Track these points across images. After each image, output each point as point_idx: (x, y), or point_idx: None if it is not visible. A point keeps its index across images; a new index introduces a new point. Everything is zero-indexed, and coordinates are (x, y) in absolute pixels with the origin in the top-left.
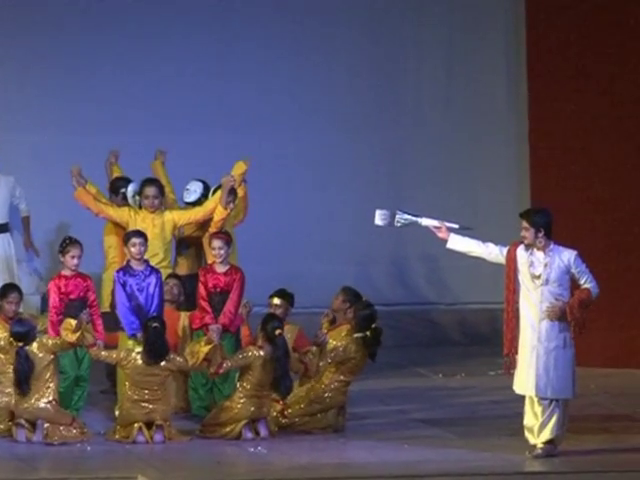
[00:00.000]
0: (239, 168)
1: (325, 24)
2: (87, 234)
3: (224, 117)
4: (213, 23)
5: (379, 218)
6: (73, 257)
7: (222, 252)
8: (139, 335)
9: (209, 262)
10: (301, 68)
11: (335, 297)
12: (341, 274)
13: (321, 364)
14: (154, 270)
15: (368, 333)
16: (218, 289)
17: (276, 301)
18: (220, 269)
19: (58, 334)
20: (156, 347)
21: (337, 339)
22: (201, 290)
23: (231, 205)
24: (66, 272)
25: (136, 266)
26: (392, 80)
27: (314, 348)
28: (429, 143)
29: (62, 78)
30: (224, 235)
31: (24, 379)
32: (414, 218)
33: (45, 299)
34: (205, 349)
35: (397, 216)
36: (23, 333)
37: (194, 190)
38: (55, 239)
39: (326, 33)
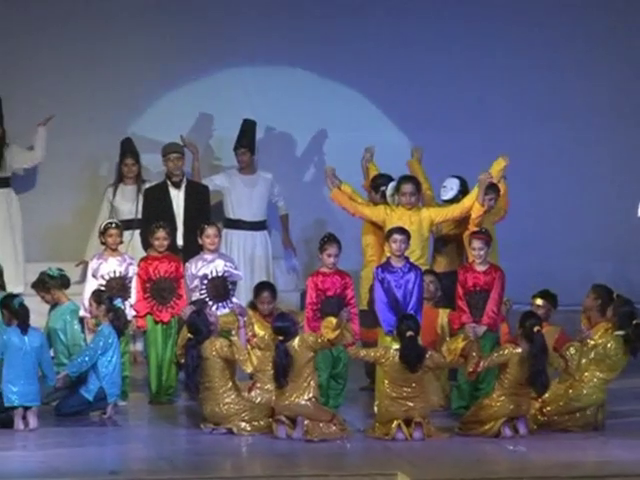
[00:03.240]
0: (498, 164)
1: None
2: (344, 231)
3: (482, 115)
4: (468, 24)
5: None
6: (330, 255)
7: (482, 253)
8: (395, 332)
9: (469, 261)
10: (555, 68)
11: (587, 295)
12: (599, 271)
13: (583, 361)
14: (414, 267)
15: (629, 330)
16: (478, 288)
17: (539, 301)
18: (480, 268)
19: (314, 330)
20: (411, 357)
21: (596, 337)
22: (459, 289)
23: (492, 202)
24: (324, 269)
25: (395, 263)
26: None
27: (576, 344)
28: None
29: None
30: (484, 235)
31: (282, 373)
32: None
33: (304, 296)
34: (462, 345)
35: None
36: (284, 328)
37: (451, 187)
38: (312, 236)
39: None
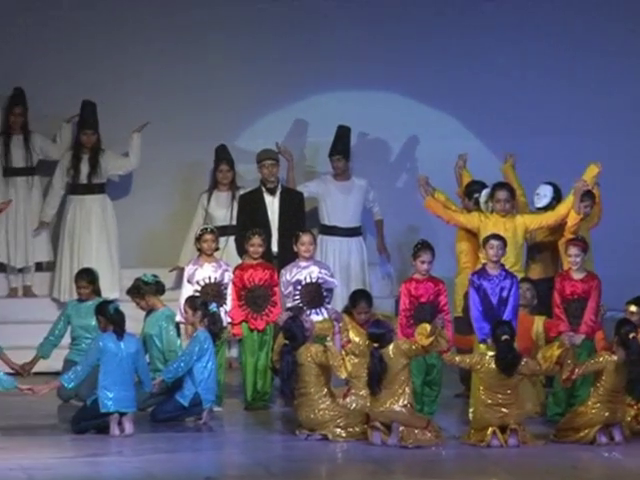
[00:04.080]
0: (591, 171)
1: None
2: (438, 237)
3: (575, 120)
4: (560, 26)
5: None
6: (423, 262)
7: (578, 260)
8: (489, 340)
9: (565, 268)
10: None
11: None
12: None
13: None
14: (509, 274)
15: None
16: (575, 296)
17: (633, 308)
18: (577, 276)
19: (407, 336)
20: (507, 361)
21: None
22: (556, 297)
23: (587, 210)
24: (418, 276)
25: (491, 270)
26: None
27: None
28: None
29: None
30: (581, 243)
31: (376, 380)
32: None
33: (398, 302)
34: (557, 352)
35: None
36: (379, 334)
37: (544, 194)
38: (405, 242)
39: None
